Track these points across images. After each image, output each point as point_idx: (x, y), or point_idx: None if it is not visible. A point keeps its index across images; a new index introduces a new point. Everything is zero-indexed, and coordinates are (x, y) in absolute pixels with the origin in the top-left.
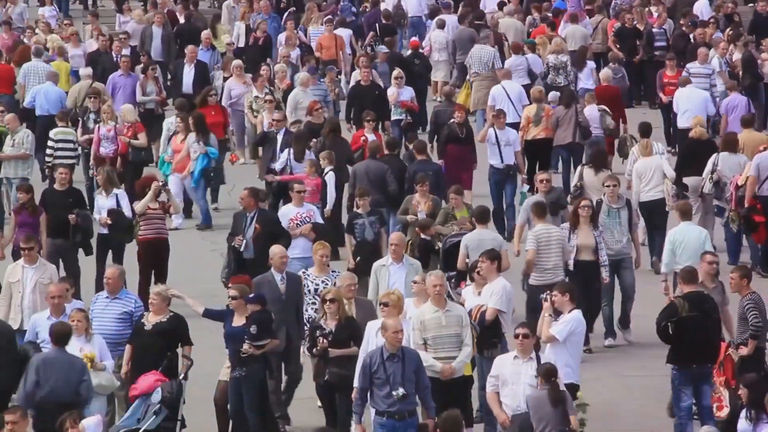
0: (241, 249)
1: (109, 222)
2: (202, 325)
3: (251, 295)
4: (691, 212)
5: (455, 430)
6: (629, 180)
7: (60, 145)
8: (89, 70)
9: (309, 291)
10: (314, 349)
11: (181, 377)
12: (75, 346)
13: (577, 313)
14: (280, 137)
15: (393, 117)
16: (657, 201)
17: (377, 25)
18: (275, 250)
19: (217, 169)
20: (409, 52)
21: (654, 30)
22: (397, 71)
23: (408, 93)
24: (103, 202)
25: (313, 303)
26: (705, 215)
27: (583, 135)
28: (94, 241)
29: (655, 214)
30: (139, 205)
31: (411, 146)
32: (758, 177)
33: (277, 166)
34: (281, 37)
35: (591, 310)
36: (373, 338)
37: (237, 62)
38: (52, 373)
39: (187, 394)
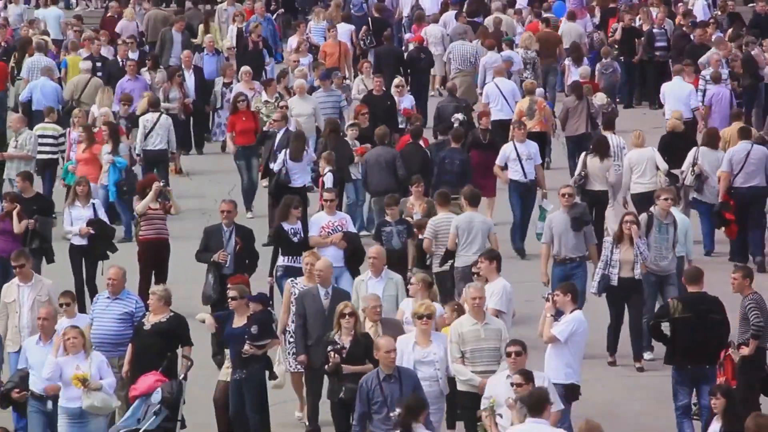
0: (226, 265)
1: (91, 232)
2: (203, 327)
3: (253, 295)
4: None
5: None
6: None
7: (41, 140)
8: (88, 64)
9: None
10: (326, 366)
11: (181, 377)
12: (71, 365)
13: (579, 314)
14: (278, 137)
15: None
16: (650, 192)
17: (369, 19)
18: (321, 264)
19: (130, 183)
20: (412, 47)
21: (654, 30)
22: (398, 79)
23: (408, 101)
24: (79, 213)
25: None
26: (685, 208)
27: (593, 126)
28: (63, 252)
29: (647, 205)
30: (140, 206)
31: (441, 136)
32: (731, 171)
33: (275, 166)
34: (292, 42)
35: (633, 328)
36: (408, 353)
37: (246, 68)
38: None
39: (187, 394)
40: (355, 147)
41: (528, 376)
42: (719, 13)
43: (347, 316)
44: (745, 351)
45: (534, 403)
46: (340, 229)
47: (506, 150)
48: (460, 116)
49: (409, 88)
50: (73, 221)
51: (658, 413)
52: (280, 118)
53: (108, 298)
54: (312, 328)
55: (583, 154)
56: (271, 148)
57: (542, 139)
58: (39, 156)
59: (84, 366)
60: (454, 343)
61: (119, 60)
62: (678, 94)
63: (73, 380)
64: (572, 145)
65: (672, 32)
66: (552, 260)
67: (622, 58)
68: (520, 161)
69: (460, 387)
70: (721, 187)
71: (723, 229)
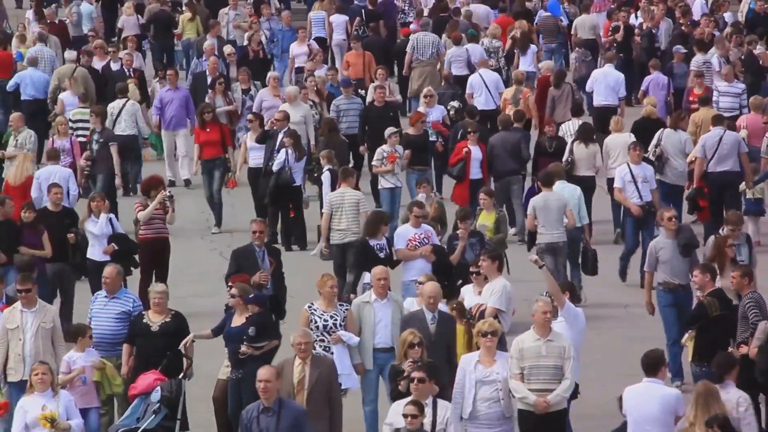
0: (268, 286)
1: (115, 248)
2: (202, 325)
3: (251, 296)
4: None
5: None
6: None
7: (78, 125)
8: (73, 54)
9: (317, 327)
10: (393, 395)
11: (181, 376)
12: (37, 403)
13: (577, 311)
14: (280, 137)
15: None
16: None
17: (363, 10)
18: (430, 289)
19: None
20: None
21: (653, 30)
22: (427, 89)
23: (438, 112)
24: (97, 228)
25: (322, 340)
26: None
27: (577, 112)
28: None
29: None
30: (143, 213)
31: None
32: (705, 156)
33: (276, 165)
34: (294, 49)
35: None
36: (470, 372)
37: (273, 74)
38: None
39: (187, 394)
40: (390, 153)
41: (421, 409)
42: (716, 12)
43: (416, 347)
44: (745, 350)
45: (650, 364)
46: (427, 241)
47: (621, 172)
48: (455, 104)
49: (397, 79)
50: (90, 237)
51: None
52: (281, 117)
53: (105, 297)
54: None
55: (570, 141)
56: (273, 148)
57: (526, 128)
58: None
59: (52, 405)
60: (514, 359)
61: (125, 70)
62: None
63: (41, 420)
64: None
65: (671, 31)
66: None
67: (621, 54)
68: (636, 184)
69: (519, 406)
70: (696, 171)
71: (695, 214)
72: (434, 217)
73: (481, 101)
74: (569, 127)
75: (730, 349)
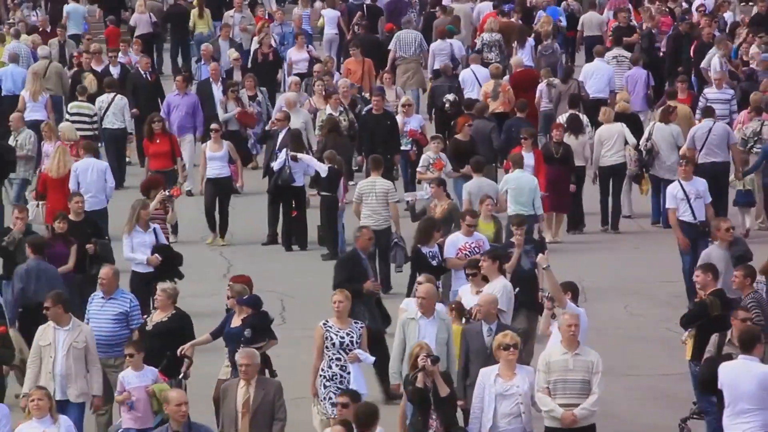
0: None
1: (159, 260)
2: (202, 326)
3: (245, 297)
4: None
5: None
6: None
7: (76, 118)
8: (47, 50)
9: (333, 344)
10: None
11: (180, 376)
12: (36, 430)
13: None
14: (280, 137)
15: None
16: (619, 165)
17: (365, 5)
18: (484, 300)
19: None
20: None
21: (653, 30)
22: (405, 98)
23: (416, 121)
24: (141, 239)
25: (338, 359)
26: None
27: (574, 104)
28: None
29: (616, 177)
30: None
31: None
32: (695, 147)
33: (276, 165)
34: (292, 54)
35: None
36: (489, 386)
37: (294, 78)
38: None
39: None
40: (437, 160)
41: (355, 397)
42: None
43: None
44: None
45: (746, 341)
46: (478, 250)
47: (673, 190)
48: (451, 96)
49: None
50: (135, 247)
51: (658, 413)
52: (282, 118)
53: (102, 298)
54: (473, 368)
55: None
56: (273, 148)
57: (505, 120)
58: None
59: None
60: (542, 372)
61: (142, 72)
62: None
63: None
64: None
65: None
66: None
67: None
68: (689, 201)
69: (546, 423)
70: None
71: None
72: (443, 218)
73: (472, 96)
74: (561, 120)
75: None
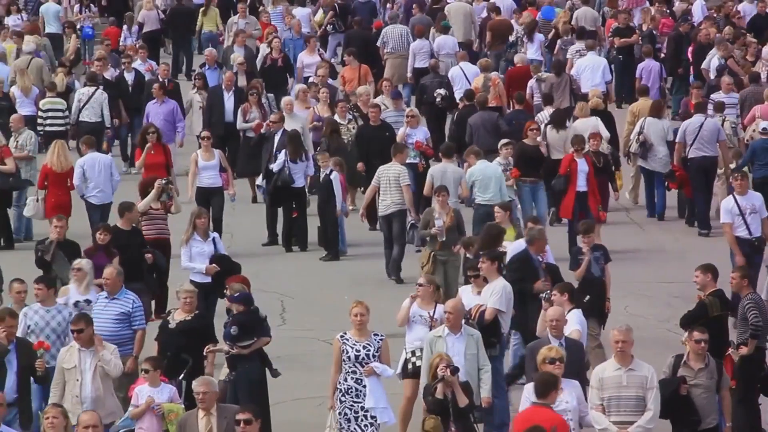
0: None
1: (218, 269)
2: None
3: (235, 294)
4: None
5: None
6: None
7: (49, 113)
8: (32, 46)
9: (349, 358)
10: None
11: (180, 377)
12: None
13: (577, 313)
14: (277, 138)
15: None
16: None
17: (336, 4)
18: (553, 313)
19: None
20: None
21: (654, 31)
22: (409, 109)
23: (422, 133)
24: (200, 248)
25: (354, 372)
26: (636, 174)
27: (576, 100)
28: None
29: None
30: (141, 204)
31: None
32: (685, 141)
33: (275, 167)
34: (303, 58)
35: None
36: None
37: (301, 86)
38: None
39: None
40: (509, 168)
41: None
42: (716, 14)
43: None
44: (745, 351)
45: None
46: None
47: (728, 204)
48: (442, 91)
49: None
50: (194, 257)
51: None
52: (277, 119)
53: (106, 298)
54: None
55: (543, 126)
56: (271, 150)
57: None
58: (48, 128)
59: None
60: (595, 389)
61: (160, 78)
62: (596, 72)
63: None
64: None
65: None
66: None
67: (620, 57)
68: (743, 216)
69: None
70: (675, 157)
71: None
72: (450, 226)
73: (461, 93)
74: (544, 115)
75: (730, 351)
